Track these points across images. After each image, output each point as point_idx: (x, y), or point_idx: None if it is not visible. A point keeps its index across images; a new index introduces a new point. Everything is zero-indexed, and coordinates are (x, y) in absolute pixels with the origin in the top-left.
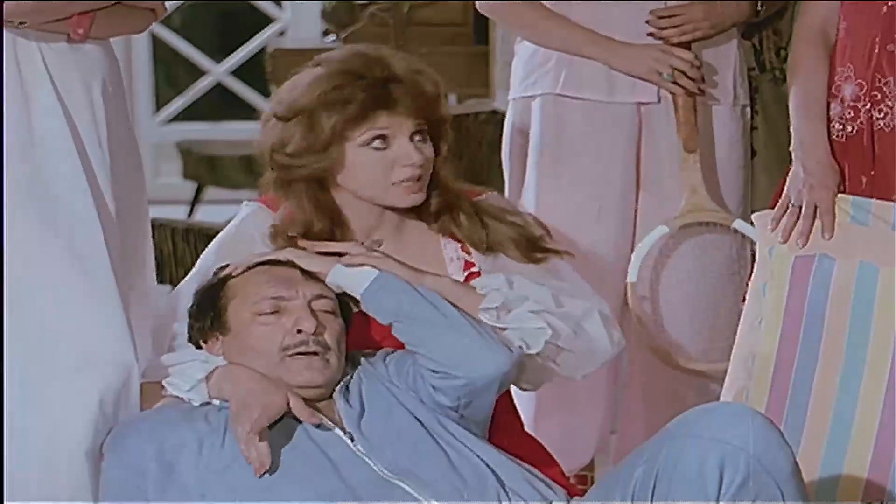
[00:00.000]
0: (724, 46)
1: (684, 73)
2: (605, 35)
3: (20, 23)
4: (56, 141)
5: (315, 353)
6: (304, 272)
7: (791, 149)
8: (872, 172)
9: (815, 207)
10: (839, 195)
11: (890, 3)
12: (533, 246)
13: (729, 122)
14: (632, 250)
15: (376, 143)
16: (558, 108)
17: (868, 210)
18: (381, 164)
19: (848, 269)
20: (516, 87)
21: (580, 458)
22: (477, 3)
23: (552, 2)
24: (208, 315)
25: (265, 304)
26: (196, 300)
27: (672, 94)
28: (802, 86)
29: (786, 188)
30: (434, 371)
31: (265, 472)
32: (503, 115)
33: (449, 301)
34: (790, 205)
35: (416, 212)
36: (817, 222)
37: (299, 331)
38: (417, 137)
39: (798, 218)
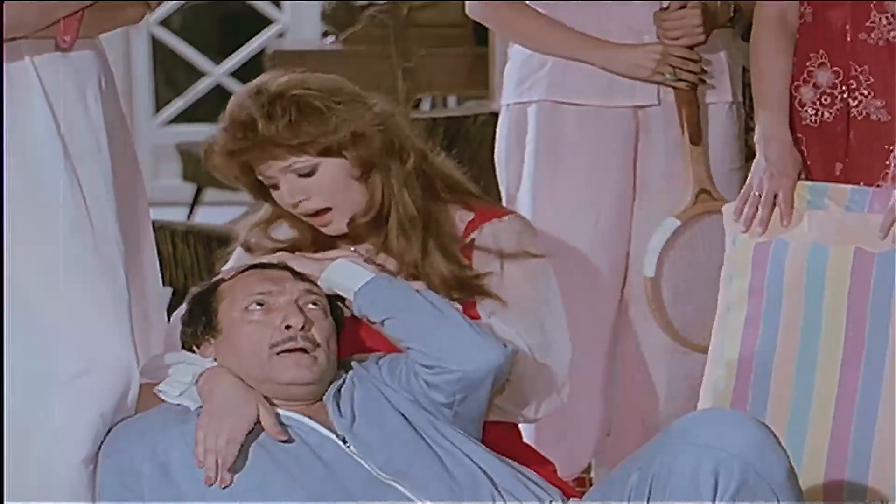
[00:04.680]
0: (718, 44)
1: (685, 70)
2: (600, 38)
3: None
4: (47, 149)
5: (303, 350)
6: (295, 273)
7: (755, 139)
8: (847, 159)
9: (775, 196)
10: (798, 182)
11: None
12: (460, 288)
13: (724, 120)
14: (627, 254)
15: (268, 182)
16: (555, 115)
17: (824, 194)
18: (279, 198)
19: (800, 250)
20: (510, 93)
21: (578, 462)
22: (466, 7)
23: (543, 1)
24: (200, 319)
25: (252, 300)
26: (189, 305)
27: (674, 89)
28: (764, 75)
29: (749, 178)
30: (428, 366)
31: (212, 484)
32: None
33: None
34: (751, 194)
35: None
36: (776, 210)
37: (287, 327)
38: (304, 172)
39: (759, 207)
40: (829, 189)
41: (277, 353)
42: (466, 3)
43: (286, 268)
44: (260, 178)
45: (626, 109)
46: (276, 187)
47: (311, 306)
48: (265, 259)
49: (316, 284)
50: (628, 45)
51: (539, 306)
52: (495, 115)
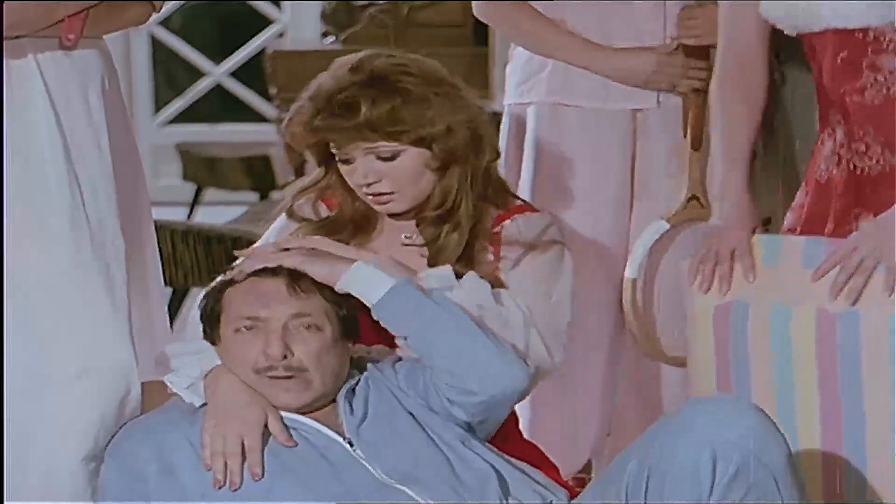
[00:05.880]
0: None
1: (688, 77)
2: (602, 44)
3: (15, 36)
4: (48, 148)
5: (290, 377)
6: (289, 284)
7: (710, 194)
8: (840, 217)
9: (733, 251)
10: (754, 235)
11: (842, 56)
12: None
13: None
14: (626, 255)
15: (340, 156)
16: (554, 116)
17: (778, 248)
18: (349, 173)
19: (762, 314)
20: (511, 93)
21: (576, 461)
22: (473, 7)
23: (546, 1)
24: (207, 324)
25: (241, 322)
26: (200, 304)
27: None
28: (721, 129)
29: (704, 236)
30: (451, 386)
31: (221, 486)
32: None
33: None
34: (708, 251)
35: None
36: (738, 266)
37: (268, 355)
38: (381, 154)
39: (716, 265)
40: (783, 242)
41: (267, 378)
42: (473, 3)
43: (286, 274)
44: (334, 150)
45: (625, 112)
46: (348, 162)
47: (302, 326)
48: (277, 262)
49: (313, 292)
50: (625, 51)
51: (548, 277)
52: (495, 115)
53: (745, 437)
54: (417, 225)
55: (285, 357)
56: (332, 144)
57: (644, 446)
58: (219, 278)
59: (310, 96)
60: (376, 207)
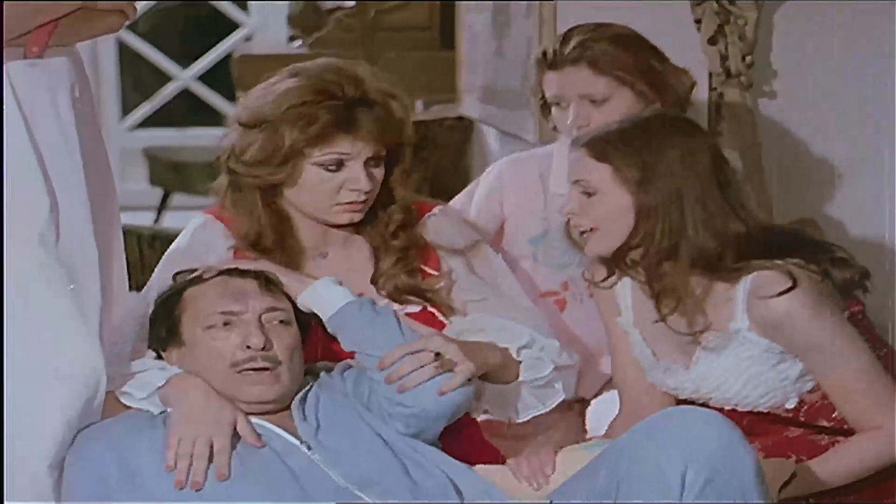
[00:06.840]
0: None
1: None
2: None
3: None
4: (19, 156)
5: (265, 369)
6: (262, 284)
7: None
8: None
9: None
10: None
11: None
12: (407, 291)
13: None
14: None
15: (331, 165)
16: None
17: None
18: (329, 184)
19: None
20: None
21: None
22: None
23: None
24: (164, 325)
25: (215, 318)
26: (154, 307)
27: None
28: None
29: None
30: (386, 398)
31: (182, 487)
32: (469, 122)
33: (497, 368)
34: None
35: (362, 224)
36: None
37: (248, 346)
38: (372, 163)
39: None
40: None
41: (238, 372)
42: None
43: (255, 276)
44: (329, 154)
45: None
46: (339, 166)
47: (274, 321)
48: (247, 266)
49: (282, 294)
50: None
51: (509, 289)
52: (461, 119)
53: (715, 447)
54: (394, 256)
55: (264, 348)
56: (319, 150)
57: (613, 456)
58: (166, 292)
59: (312, 95)
60: (340, 217)
